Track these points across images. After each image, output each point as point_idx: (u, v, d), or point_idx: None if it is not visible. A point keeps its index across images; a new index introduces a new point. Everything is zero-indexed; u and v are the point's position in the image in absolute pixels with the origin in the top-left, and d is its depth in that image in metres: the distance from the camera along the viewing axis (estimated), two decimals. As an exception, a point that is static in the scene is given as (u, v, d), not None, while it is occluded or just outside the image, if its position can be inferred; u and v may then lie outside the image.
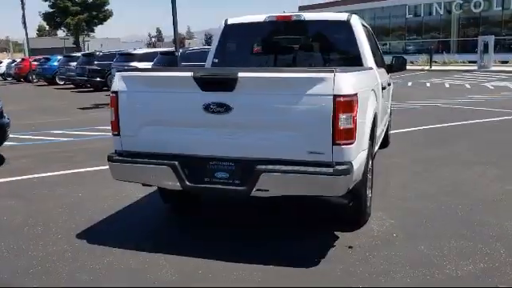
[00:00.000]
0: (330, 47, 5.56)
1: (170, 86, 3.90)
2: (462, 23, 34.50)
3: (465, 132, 9.44)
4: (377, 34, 39.91)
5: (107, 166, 4.21)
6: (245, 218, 4.94)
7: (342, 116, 3.48)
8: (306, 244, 4.17)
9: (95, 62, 21.11)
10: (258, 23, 5.68)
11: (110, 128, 4.17)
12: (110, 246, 4.18)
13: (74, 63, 22.92)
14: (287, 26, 5.56)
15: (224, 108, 3.69)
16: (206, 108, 3.73)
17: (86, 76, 21.37)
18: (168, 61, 15.90)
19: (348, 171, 3.53)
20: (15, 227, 4.73)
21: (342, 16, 5.33)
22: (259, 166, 3.64)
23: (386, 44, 37.03)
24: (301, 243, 4.18)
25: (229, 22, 5.70)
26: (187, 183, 3.87)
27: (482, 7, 32.41)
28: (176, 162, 3.85)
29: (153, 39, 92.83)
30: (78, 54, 25.20)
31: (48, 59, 29.86)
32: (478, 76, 24.61)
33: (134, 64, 18.43)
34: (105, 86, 21.63)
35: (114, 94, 4.03)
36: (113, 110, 4.06)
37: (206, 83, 3.72)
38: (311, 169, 3.54)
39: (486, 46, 27.47)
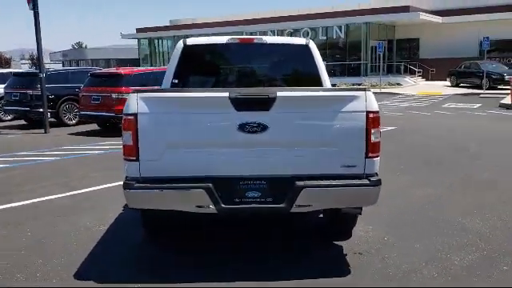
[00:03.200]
0: (292, 69, 5.86)
1: (201, 106, 3.77)
2: (293, 49, 37.96)
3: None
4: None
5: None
6: (235, 240, 4.91)
7: (373, 130, 3.81)
8: (318, 256, 4.36)
9: None
10: (219, 45, 5.72)
11: None
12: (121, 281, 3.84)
13: None
14: (249, 49, 5.70)
15: (260, 127, 3.73)
16: (241, 128, 3.72)
17: None
18: (27, 82, 14.41)
19: (380, 182, 3.86)
20: (-17, 278, 3.98)
21: (302, 40, 5.69)
22: (299, 182, 3.75)
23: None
24: (313, 257, 4.36)
25: (188, 43, 5.61)
26: (222, 205, 3.77)
27: (309, 36, 36.14)
28: (210, 185, 3.73)
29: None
30: None
31: None
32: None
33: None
34: None
35: (132, 117, 3.74)
36: (130, 134, 3.76)
37: (241, 103, 3.71)
38: (352, 182, 3.78)
39: (318, 70, 30.65)
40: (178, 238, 4.92)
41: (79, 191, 6.82)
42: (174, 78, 5.57)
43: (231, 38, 5.64)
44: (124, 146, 3.83)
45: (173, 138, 3.77)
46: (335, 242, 4.66)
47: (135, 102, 3.75)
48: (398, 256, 4.31)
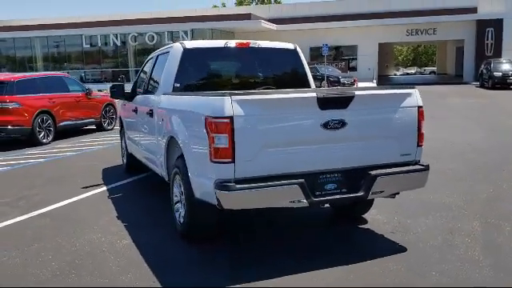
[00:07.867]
0: (283, 71, 6.21)
1: (291, 106, 3.97)
2: (138, 54, 36.96)
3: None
4: (53, 62, 37.65)
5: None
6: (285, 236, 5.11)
7: (422, 122, 4.46)
8: (363, 240, 4.85)
9: None
10: (217, 48, 5.79)
11: None
12: None
13: None
14: (245, 52, 5.86)
15: (341, 124, 4.09)
16: (325, 125, 4.04)
17: None
18: None
19: (429, 166, 4.51)
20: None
21: (290, 45, 6.12)
22: (374, 172, 4.20)
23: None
24: (360, 241, 4.84)
25: (187, 47, 5.58)
26: (313, 199, 4.02)
27: (155, 40, 35.79)
28: (303, 180, 3.95)
29: None
30: None
31: None
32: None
33: None
34: None
35: (228, 120, 3.76)
36: (225, 136, 3.78)
37: (325, 102, 4.01)
38: (414, 167, 4.40)
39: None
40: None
41: (42, 210, 6.14)
42: (176, 81, 5.51)
43: (228, 42, 5.79)
44: (216, 148, 3.82)
45: (266, 138, 3.92)
46: (360, 226, 5.19)
47: (230, 105, 3.79)
48: (423, 230, 5.03)
